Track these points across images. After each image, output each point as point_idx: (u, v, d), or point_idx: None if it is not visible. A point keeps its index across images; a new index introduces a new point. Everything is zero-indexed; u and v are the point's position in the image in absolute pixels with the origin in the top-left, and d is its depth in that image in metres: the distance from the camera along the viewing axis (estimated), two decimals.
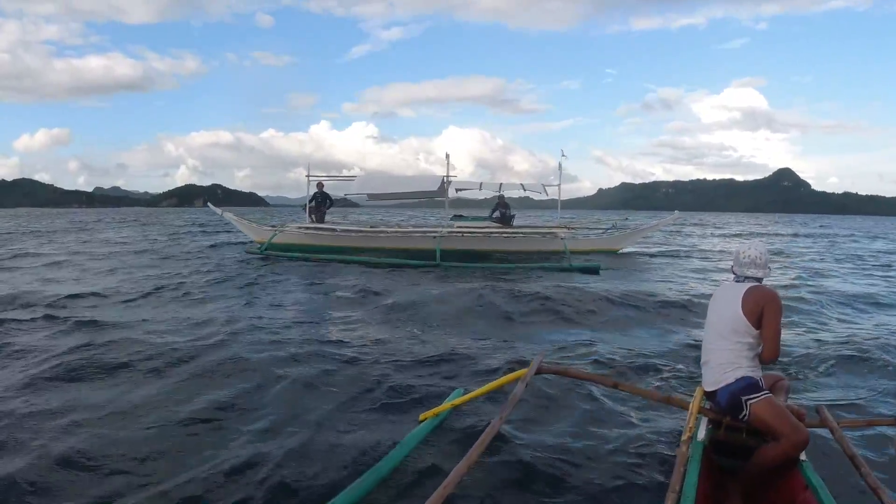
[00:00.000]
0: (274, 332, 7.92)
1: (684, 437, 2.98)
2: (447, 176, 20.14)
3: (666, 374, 6.36)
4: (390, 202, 25.20)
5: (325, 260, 17.19)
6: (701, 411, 3.44)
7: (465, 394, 4.84)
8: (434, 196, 21.35)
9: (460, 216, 21.22)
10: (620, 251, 20.81)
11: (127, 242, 26.05)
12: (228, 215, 22.33)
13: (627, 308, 10.22)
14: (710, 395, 3.62)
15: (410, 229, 20.48)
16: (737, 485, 3.35)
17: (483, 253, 18.47)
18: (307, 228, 19.48)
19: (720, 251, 24.70)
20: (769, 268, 3.72)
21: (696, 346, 7.28)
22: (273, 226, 20.23)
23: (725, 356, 3.52)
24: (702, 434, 3.38)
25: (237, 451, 4.18)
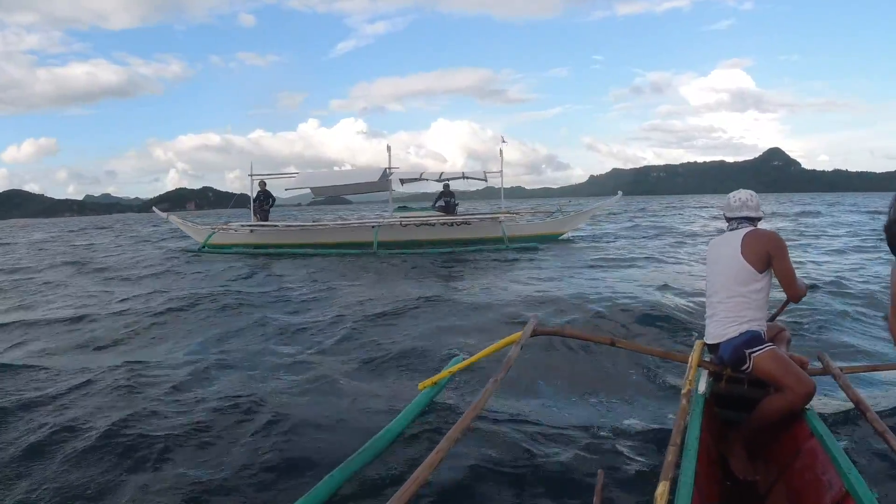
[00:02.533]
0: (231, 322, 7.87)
1: (684, 391, 2.91)
2: (389, 168, 20.20)
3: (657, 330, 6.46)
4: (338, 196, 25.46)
5: (264, 255, 17.67)
6: (701, 364, 3.38)
7: (463, 360, 4.81)
8: (376, 188, 21.46)
9: (404, 207, 21.41)
10: (564, 235, 20.92)
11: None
12: (173, 219, 22.64)
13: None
14: (711, 349, 3.55)
15: (350, 221, 20.70)
16: (740, 436, 3.30)
17: (422, 242, 18.61)
18: (250, 226, 19.60)
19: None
20: (762, 211, 3.64)
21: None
22: (213, 226, 20.44)
23: (731, 308, 3.42)
24: (702, 387, 3.32)
25: (233, 432, 4.11)
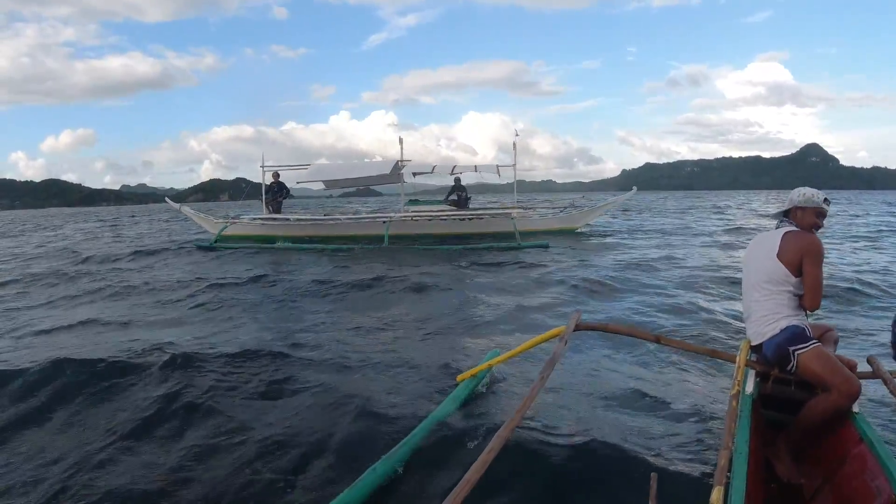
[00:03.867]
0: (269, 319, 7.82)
1: (733, 392, 2.87)
2: (401, 160, 20.13)
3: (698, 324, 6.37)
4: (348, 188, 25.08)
5: (275, 248, 17.47)
6: (748, 364, 3.33)
7: (500, 354, 4.80)
8: (388, 181, 21.32)
9: (415, 200, 21.12)
10: (578, 230, 20.64)
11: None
12: (185, 209, 22.56)
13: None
14: (755, 349, 3.50)
15: (362, 215, 20.55)
16: (786, 439, 3.24)
17: (433, 236, 18.47)
18: (262, 219, 19.53)
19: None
20: (811, 203, 3.44)
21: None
22: (225, 218, 20.35)
23: (766, 307, 3.37)
24: (750, 387, 3.27)
25: (276, 425, 4.14)
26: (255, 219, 19.70)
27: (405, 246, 16.72)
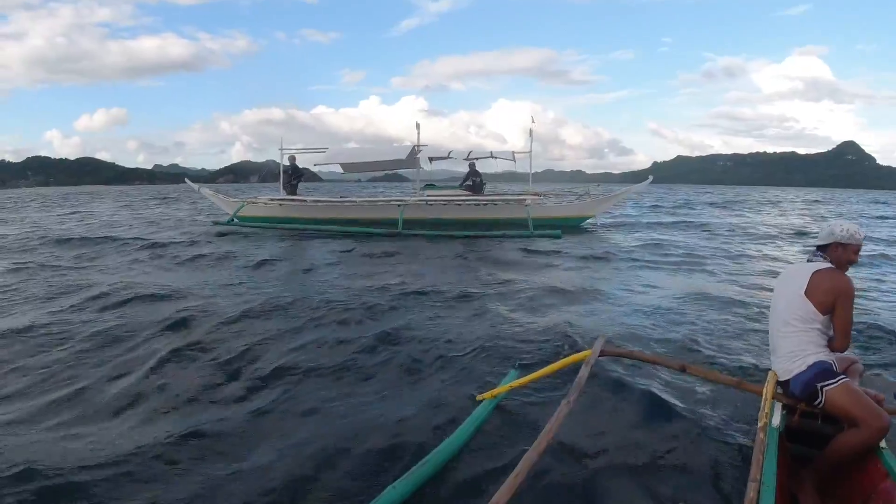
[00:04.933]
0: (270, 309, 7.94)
1: (760, 424, 2.86)
2: (417, 145, 20.28)
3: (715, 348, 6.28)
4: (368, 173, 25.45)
5: (293, 229, 18.00)
6: (775, 397, 3.31)
7: (519, 375, 4.80)
8: (404, 166, 21.55)
9: (431, 185, 21.45)
10: (592, 218, 20.64)
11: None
12: (205, 190, 23.02)
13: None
14: (782, 383, 3.48)
15: (377, 198, 20.89)
16: (812, 474, 3.22)
17: (447, 221, 18.61)
18: (278, 200, 19.87)
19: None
20: (832, 239, 3.42)
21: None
22: (243, 199, 20.71)
23: (793, 343, 3.33)
24: (776, 420, 3.25)
25: (281, 441, 4.15)
26: (271, 199, 20.06)
27: (419, 231, 16.96)
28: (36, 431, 4.26)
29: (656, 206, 37.25)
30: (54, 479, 3.48)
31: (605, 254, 14.00)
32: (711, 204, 44.36)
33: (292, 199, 19.88)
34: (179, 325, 6.92)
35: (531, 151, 21.77)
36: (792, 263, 3.75)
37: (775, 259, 14.25)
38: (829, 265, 3.42)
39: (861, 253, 3.45)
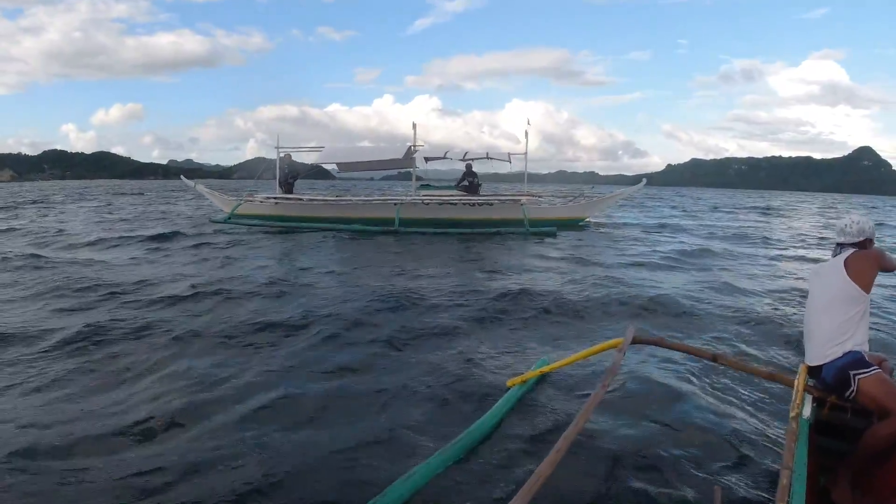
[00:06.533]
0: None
1: (792, 414, 2.90)
2: (413, 145, 20.39)
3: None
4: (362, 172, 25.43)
5: (288, 227, 18.14)
6: (806, 389, 3.34)
7: (549, 362, 4.85)
8: (400, 165, 21.63)
9: (427, 185, 21.46)
10: (587, 220, 20.83)
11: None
12: (200, 187, 23.06)
13: None
14: (813, 372, 3.52)
15: (373, 197, 20.97)
16: (844, 467, 3.24)
17: (443, 221, 18.75)
18: (274, 198, 20.01)
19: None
20: (863, 236, 3.63)
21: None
22: (239, 197, 20.94)
23: (831, 329, 3.42)
24: (807, 412, 3.29)
25: (320, 425, 4.27)
26: (268, 198, 20.19)
27: (416, 230, 17.24)
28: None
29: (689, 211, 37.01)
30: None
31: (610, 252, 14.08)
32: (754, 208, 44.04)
33: (288, 198, 19.99)
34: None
35: (526, 153, 21.87)
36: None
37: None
38: (857, 249, 3.60)
39: None
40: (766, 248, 17.12)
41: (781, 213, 39.58)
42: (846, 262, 3.47)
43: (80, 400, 4.61)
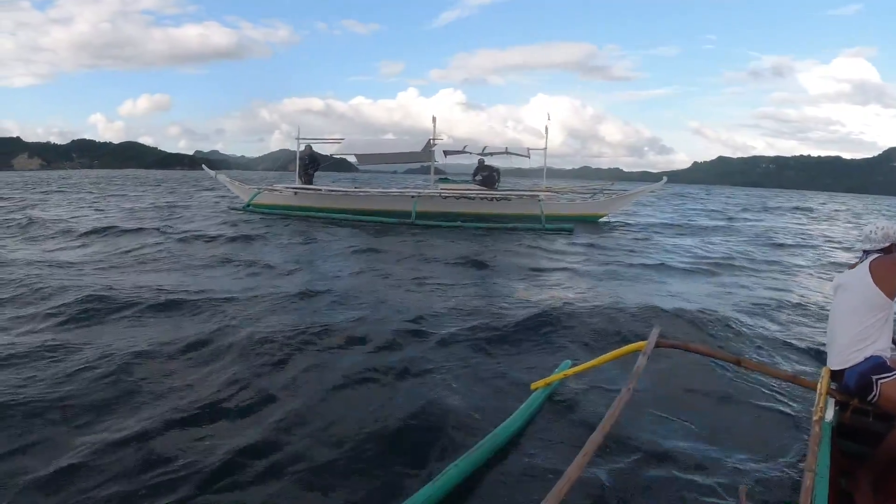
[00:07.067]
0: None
1: (815, 418, 2.93)
2: (432, 139, 20.41)
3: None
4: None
5: (306, 217, 18.29)
6: (829, 392, 3.37)
7: (572, 365, 4.91)
8: (419, 159, 21.89)
9: (445, 178, 21.42)
10: (605, 217, 20.60)
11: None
12: (221, 177, 23.37)
13: None
14: (835, 376, 3.54)
15: (391, 190, 20.90)
16: (866, 471, 3.27)
17: (459, 215, 18.68)
18: (293, 188, 20.15)
19: None
20: (889, 241, 3.62)
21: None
22: (259, 187, 21.07)
23: (853, 333, 3.42)
24: (829, 416, 3.31)
25: (347, 420, 4.28)
26: (286, 188, 20.37)
27: (432, 223, 17.16)
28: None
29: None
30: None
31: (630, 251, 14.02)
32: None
33: (307, 189, 20.11)
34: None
35: (546, 148, 21.81)
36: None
37: None
38: (881, 255, 3.60)
39: None
40: (804, 253, 16.67)
41: (821, 215, 38.78)
42: (871, 268, 3.47)
43: None
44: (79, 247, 12.36)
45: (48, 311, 6.72)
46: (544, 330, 6.59)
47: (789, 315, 8.08)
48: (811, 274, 12.36)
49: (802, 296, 9.58)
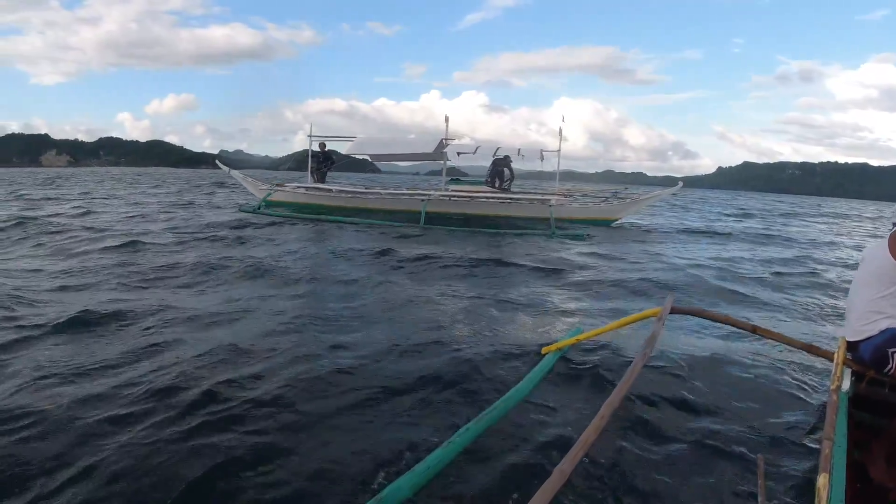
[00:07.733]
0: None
1: (832, 387, 2.90)
2: (445, 139, 20.22)
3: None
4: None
5: (314, 220, 17.83)
6: (845, 362, 3.33)
7: (584, 331, 4.90)
8: (431, 158, 21.56)
9: (457, 179, 21.27)
10: (618, 222, 20.18)
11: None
12: (235, 173, 23.46)
13: None
14: (851, 347, 3.51)
15: (402, 191, 20.82)
16: (880, 442, 3.23)
17: (470, 217, 18.54)
18: (305, 188, 20.15)
19: None
20: None
21: None
22: (272, 185, 21.03)
23: (870, 305, 3.39)
24: (846, 386, 3.28)
25: (358, 393, 4.28)
26: (299, 187, 20.36)
27: (441, 226, 16.85)
28: None
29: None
30: None
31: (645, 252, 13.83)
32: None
33: (318, 188, 20.10)
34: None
35: (560, 150, 21.65)
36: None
37: None
38: None
39: None
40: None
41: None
42: (890, 240, 3.40)
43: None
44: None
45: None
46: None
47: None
48: None
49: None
